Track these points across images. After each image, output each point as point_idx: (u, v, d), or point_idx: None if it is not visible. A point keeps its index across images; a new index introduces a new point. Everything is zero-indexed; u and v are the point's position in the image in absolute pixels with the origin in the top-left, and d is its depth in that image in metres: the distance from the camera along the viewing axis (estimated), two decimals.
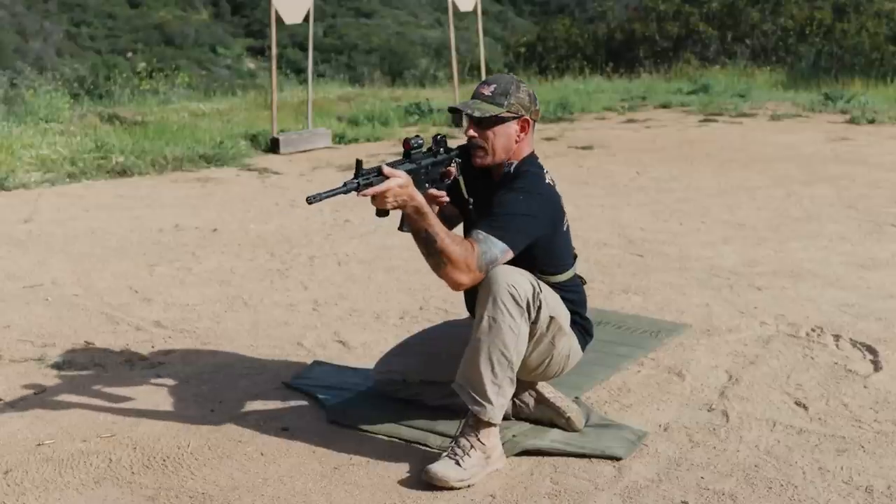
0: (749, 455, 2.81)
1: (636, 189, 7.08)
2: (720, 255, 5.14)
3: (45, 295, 4.52)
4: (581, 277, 3.08)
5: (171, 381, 3.44)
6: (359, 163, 2.53)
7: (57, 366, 3.58)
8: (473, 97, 2.84)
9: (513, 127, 2.82)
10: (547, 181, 2.84)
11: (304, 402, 3.22)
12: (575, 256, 3.01)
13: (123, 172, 7.78)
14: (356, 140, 9.65)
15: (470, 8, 11.01)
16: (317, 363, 3.58)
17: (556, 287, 2.86)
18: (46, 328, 4.05)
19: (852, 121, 10.72)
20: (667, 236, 5.58)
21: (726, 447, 2.87)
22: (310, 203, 2.45)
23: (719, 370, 3.49)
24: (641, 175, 7.65)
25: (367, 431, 2.97)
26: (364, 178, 2.51)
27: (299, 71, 11.68)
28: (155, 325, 4.08)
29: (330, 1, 43.64)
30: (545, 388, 2.98)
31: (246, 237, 5.68)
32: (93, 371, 3.55)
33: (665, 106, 12.50)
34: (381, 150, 8.76)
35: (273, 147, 8.96)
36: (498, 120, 2.79)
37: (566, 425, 2.93)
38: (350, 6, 44.67)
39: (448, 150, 2.89)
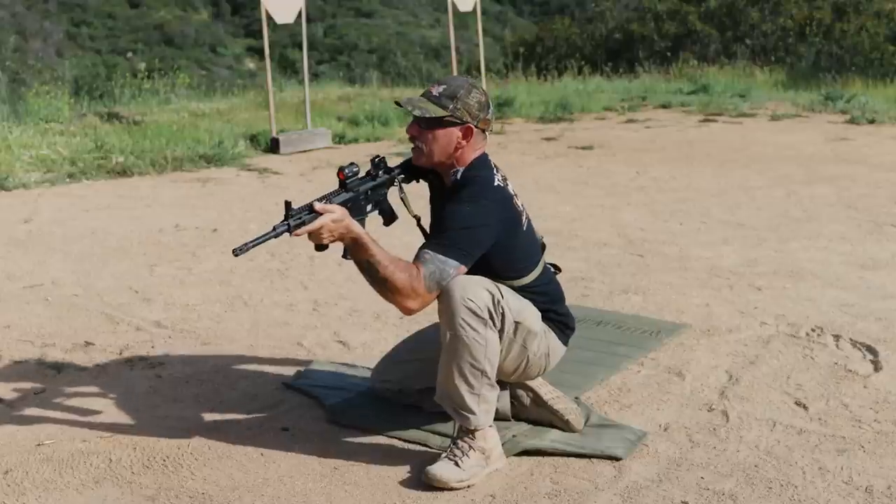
0: (749, 455, 2.82)
1: (636, 189, 7.08)
2: (720, 255, 5.14)
3: (45, 295, 4.52)
4: (555, 266, 3.04)
5: (171, 381, 3.44)
6: (287, 204, 2.51)
7: (57, 366, 3.58)
8: (423, 94, 2.77)
9: (454, 133, 2.72)
10: (496, 183, 2.75)
11: (304, 402, 3.23)
12: (544, 246, 2.95)
13: (123, 172, 7.78)
14: (356, 140, 9.65)
15: (470, 8, 11.01)
16: (317, 363, 3.58)
17: (522, 290, 2.79)
18: (46, 328, 4.05)
19: (852, 121, 10.72)
20: (667, 236, 5.58)
21: (726, 447, 2.87)
22: (236, 255, 2.44)
23: (719, 370, 3.50)
24: (641, 175, 7.66)
25: (367, 431, 2.98)
26: (295, 218, 2.49)
27: (300, 71, 11.67)
28: (155, 325, 4.08)
29: (330, 1, 43.63)
30: (543, 387, 2.96)
31: (246, 237, 5.67)
32: (93, 371, 3.55)
33: (665, 106, 12.50)
34: (381, 150, 8.76)
35: (273, 147, 8.96)
36: (439, 123, 2.71)
37: (566, 427, 2.93)
38: (350, 6, 44.64)
39: (389, 171, 2.84)
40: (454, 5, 10.79)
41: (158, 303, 4.40)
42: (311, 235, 2.52)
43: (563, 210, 6.35)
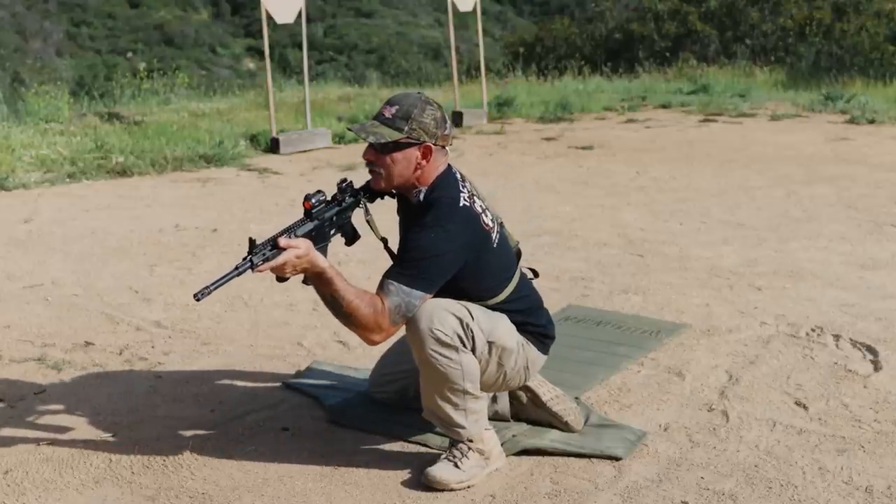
0: (749, 455, 2.82)
1: (636, 189, 7.08)
2: (720, 255, 5.14)
3: (45, 295, 4.52)
4: (532, 270, 3.01)
5: (171, 381, 3.44)
6: (251, 241, 2.48)
7: (57, 366, 3.58)
8: (374, 117, 2.69)
9: (413, 153, 2.65)
10: (462, 203, 2.65)
11: (304, 402, 3.23)
12: (519, 253, 2.90)
13: (123, 172, 7.78)
14: (356, 140, 9.64)
15: (469, 8, 11.00)
16: (317, 363, 3.58)
17: (495, 308, 2.73)
18: (46, 328, 4.05)
19: (852, 121, 10.71)
20: (667, 236, 5.58)
21: (726, 447, 2.87)
22: (198, 300, 2.37)
23: (719, 370, 3.50)
24: (641, 175, 7.66)
25: (367, 431, 2.98)
26: (259, 254, 2.47)
27: (300, 71, 11.67)
28: (155, 325, 4.08)
29: (330, 1, 43.65)
30: (542, 387, 2.95)
31: (246, 237, 5.66)
32: (93, 371, 3.55)
33: (665, 106, 12.49)
34: None
35: (273, 147, 8.96)
36: (396, 146, 2.64)
37: (565, 428, 2.92)
38: (350, 6, 44.66)
39: (355, 194, 2.79)
40: (454, 5, 10.79)
41: (158, 303, 4.40)
42: (274, 270, 2.47)
43: (563, 210, 6.35)
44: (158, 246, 5.48)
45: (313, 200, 2.67)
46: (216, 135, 9.03)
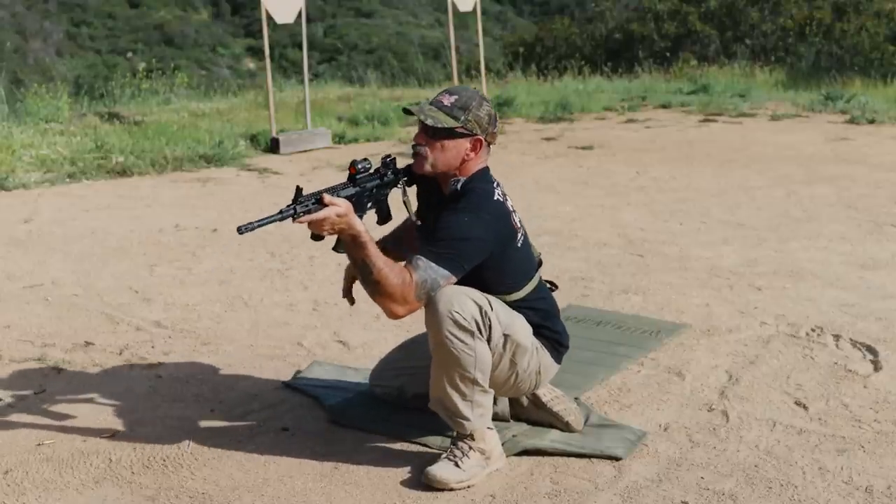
0: (749, 455, 2.82)
1: (636, 189, 7.08)
2: (720, 255, 5.14)
3: (45, 295, 4.52)
4: (551, 283, 3.02)
5: (171, 381, 3.44)
6: (298, 190, 2.52)
7: (57, 366, 3.59)
8: (432, 102, 2.74)
9: (464, 144, 2.71)
10: (496, 197, 2.73)
11: (304, 402, 3.23)
12: (540, 262, 2.93)
13: (123, 172, 7.78)
14: (356, 140, 9.64)
15: (469, 8, 11.00)
16: (317, 363, 3.58)
17: (513, 305, 2.76)
18: (46, 328, 4.05)
19: (852, 121, 10.71)
20: (667, 236, 5.58)
21: (726, 447, 2.87)
22: (241, 233, 2.42)
23: (719, 370, 3.50)
24: (641, 175, 7.65)
25: (367, 431, 2.98)
26: (302, 205, 2.50)
27: (300, 71, 11.67)
28: (155, 325, 4.08)
29: (330, 1, 43.64)
30: (542, 388, 2.94)
31: (246, 237, 5.67)
32: (93, 371, 3.55)
33: (665, 106, 12.48)
34: (381, 150, 8.76)
35: (273, 147, 8.96)
36: (450, 133, 2.69)
37: (565, 428, 2.93)
38: (350, 6, 44.63)
39: (396, 172, 2.83)
40: (454, 5, 10.79)
41: (158, 303, 4.41)
42: (312, 225, 2.51)
43: (563, 210, 6.35)
44: (158, 246, 5.48)
45: (359, 166, 2.71)
46: (216, 135, 9.02)
